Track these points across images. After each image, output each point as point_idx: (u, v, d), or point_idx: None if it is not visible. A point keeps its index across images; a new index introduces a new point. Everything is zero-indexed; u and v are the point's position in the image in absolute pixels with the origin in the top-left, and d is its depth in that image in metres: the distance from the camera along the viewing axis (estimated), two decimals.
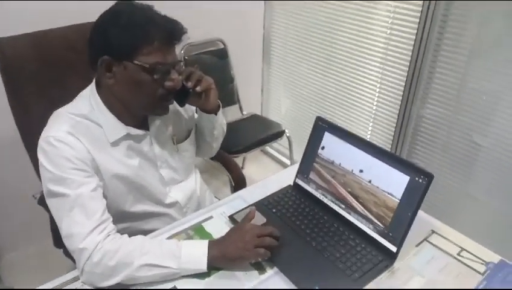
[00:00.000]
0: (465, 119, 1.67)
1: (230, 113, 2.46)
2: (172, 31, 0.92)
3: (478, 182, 1.72)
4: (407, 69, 1.81)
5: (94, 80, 1.00)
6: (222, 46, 2.35)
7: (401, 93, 1.87)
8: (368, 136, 2.17)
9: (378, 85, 2.01)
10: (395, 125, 1.96)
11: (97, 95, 0.97)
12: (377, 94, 2.04)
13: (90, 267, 0.85)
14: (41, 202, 1.25)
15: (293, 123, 2.64)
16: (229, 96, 2.42)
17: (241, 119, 2.46)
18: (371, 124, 2.14)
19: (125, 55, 0.90)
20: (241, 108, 2.51)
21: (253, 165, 2.77)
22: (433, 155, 1.86)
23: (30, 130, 1.22)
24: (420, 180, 0.90)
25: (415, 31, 1.71)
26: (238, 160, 2.65)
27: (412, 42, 1.74)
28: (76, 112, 0.95)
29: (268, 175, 1.19)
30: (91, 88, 0.99)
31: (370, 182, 0.98)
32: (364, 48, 2.01)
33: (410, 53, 1.77)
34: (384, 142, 2.07)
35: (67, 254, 1.30)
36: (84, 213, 0.87)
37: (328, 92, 2.30)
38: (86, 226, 0.87)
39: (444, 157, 1.82)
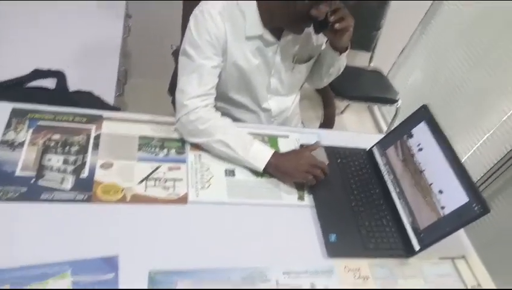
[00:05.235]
0: None
1: (359, 58, 2.44)
2: None
3: None
4: None
5: None
6: None
7: None
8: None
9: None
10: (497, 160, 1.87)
11: None
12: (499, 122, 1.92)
13: (185, 121, 1.07)
14: (174, 53, 1.48)
15: (409, 98, 2.54)
16: (366, 42, 2.39)
17: (364, 69, 2.45)
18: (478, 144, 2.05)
19: None
20: (371, 58, 2.48)
21: (352, 114, 2.79)
22: None
23: None
24: (475, 208, 0.91)
25: None
26: (342, 104, 2.70)
27: None
28: None
29: (359, 131, 1.24)
30: None
31: (431, 185, 1.02)
32: None
33: None
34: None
35: (174, 102, 1.56)
36: (199, 80, 1.07)
37: (461, 93, 2.17)
38: (195, 90, 1.07)
39: None
